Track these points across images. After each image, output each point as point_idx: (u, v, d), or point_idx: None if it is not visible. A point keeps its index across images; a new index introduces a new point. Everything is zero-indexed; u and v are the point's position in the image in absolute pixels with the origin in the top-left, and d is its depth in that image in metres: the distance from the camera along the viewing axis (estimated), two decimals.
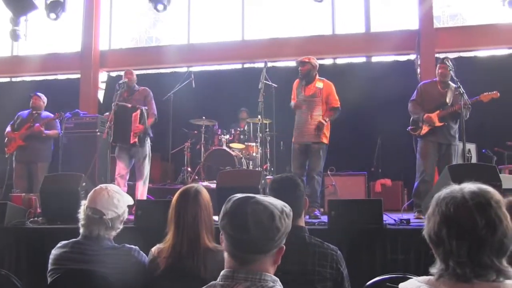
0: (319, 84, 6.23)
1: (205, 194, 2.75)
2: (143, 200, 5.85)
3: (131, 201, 2.87)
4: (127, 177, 6.50)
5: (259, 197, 1.72)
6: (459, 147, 6.02)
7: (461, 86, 5.67)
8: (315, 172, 6.05)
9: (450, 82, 6.12)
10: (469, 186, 1.46)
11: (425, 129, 6.05)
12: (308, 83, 6.27)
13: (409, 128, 6.29)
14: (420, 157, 6.07)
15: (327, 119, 6.13)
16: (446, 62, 6.05)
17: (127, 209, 2.82)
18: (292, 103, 6.40)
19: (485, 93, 5.85)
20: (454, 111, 5.90)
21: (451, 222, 1.41)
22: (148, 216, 4.48)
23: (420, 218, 5.36)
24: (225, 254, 1.70)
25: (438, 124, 5.98)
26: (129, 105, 6.43)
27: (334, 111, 6.23)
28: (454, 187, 1.48)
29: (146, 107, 6.48)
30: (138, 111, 6.36)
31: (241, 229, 1.62)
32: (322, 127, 6.07)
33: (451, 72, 5.88)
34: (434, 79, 6.22)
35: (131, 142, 6.29)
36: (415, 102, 6.24)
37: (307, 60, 6.27)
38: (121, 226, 2.79)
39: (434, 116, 6.00)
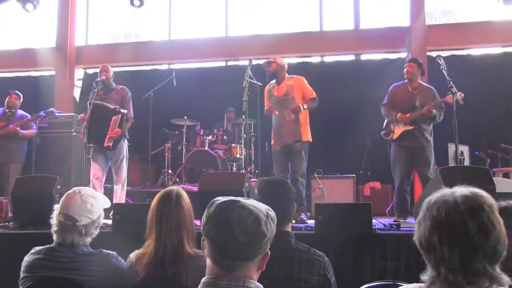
0: (289, 82, 6.33)
1: (187, 198, 2.75)
2: (121, 204, 5.80)
3: (107, 204, 2.84)
4: (104, 179, 6.44)
5: (243, 200, 1.71)
6: (451, 149, 6.09)
7: (453, 86, 5.71)
8: (298, 174, 6.07)
9: (421, 82, 6.22)
10: (461, 190, 1.46)
11: (397, 133, 6.15)
12: (279, 83, 6.36)
13: (382, 132, 6.41)
14: (394, 161, 6.19)
15: (305, 106, 6.18)
16: (419, 61, 6.17)
17: (102, 213, 2.79)
18: (265, 109, 6.49)
19: (450, 95, 5.87)
20: (422, 114, 5.97)
21: (442, 228, 1.42)
22: (126, 221, 4.45)
23: (399, 221, 5.40)
24: (208, 261, 1.69)
25: (409, 127, 6.06)
26: (111, 107, 6.33)
27: (312, 101, 6.27)
28: (446, 191, 1.48)
29: (126, 111, 6.41)
30: (119, 116, 6.28)
31: (226, 235, 1.62)
32: (298, 110, 6.11)
33: (443, 71, 5.91)
34: (405, 81, 6.30)
35: (105, 145, 6.23)
36: (386, 105, 6.35)
37: (272, 60, 6.38)
38: (96, 232, 2.76)
39: (406, 116, 6.09)
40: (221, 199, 1.73)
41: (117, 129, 6.25)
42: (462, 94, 5.76)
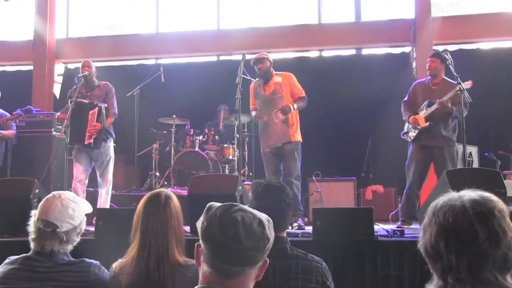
0: (277, 79, 6.31)
1: (176, 201, 2.74)
2: (105, 209, 5.78)
3: (89, 209, 2.82)
4: (86, 182, 6.42)
5: (242, 205, 1.72)
6: (459, 149, 6.06)
7: (461, 82, 5.72)
8: (292, 176, 6.07)
9: (445, 78, 6.19)
10: (469, 194, 1.46)
11: (415, 132, 6.14)
12: (267, 81, 6.34)
13: (402, 133, 6.39)
14: (409, 162, 6.19)
15: (294, 106, 6.17)
16: (442, 55, 6.10)
17: (84, 219, 2.77)
18: (253, 113, 6.48)
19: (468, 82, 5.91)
20: (437, 109, 5.93)
21: (449, 234, 1.42)
22: (110, 227, 4.44)
23: (403, 228, 5.41)
24: (204, 268, 1.69)
25: (423, 124, 6.04)
26: (86, 101, 6.35)
27: (301, 100, 6.28)
28: (453, 195, 1.48)
29: (105, 105, 6.40)
30: (96, 109, 6.28)
31: (231, 238, 1.62)
32: (287, 110, 6.10)
33: (450, 66, 5.92)
34: (428, 77, 6.28)
35: (86, 143, 6.22)
36: (405, 103, 6.37)
37: (265, 56, 6.35)
38: (78, 239, 2.74)
39: (419, 117, 6.08)
40: (217, 203, 1.74)
41: (95, 123, 6.23)
42: (470, 82, 5.77)
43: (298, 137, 6.24)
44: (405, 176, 6.34)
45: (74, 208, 2.69)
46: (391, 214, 6.77)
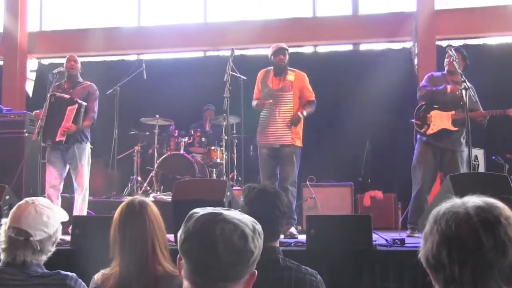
0: (290, 76, 6.28)
1: (153, 207, 2.76)
2: (82, 217, 5.78)
3: (65, 217, 2.81)
4: (61, 188, 6.39)
5: (226, 212, 1.70)
6: (465, 153, 6.05)
7: (466, 80, 5.72)
8: (288, 182, 6.07)
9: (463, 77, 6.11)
10: (474, 200, 1.46)
11: (434, 128, 6.04)
12: (277, 75, 6.31)
13: (413, 120, 6.22)
14: (417, 163, 6.10)
15: (304, 112, 6.17)
16: (449, 51, 6.08)
17: (60, 227, 2.76)
18: (254, 102, 6.40)
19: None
20: (473, 119, 5.79)
21: (452, 243, 1.42)
22: (88, 236, 4.44)
23: (414, 236, 5.43)
24: (185, 283, 1.68)
25: (451, 127, 5.99)
26: (67, 96, 6.34)
27: (310, 104, 6.28)
28: (456, 201, 1.48)
29: (86, 104, 6.39)
30: (76, 106, 6.26)
31: (208, 254, 1.60)
32: (297, 122, 6.10)
33: (454, 63, 5.85)
34: (444, 72, 6.22)
35: (57, 139, 6.19)
36: (424, 88, 6.15)
37: (287, 48, 6.33)
38: (53, 249, 2.73)
39: (448, 115, 6.01)
40: (199, 211, 1.72)
41: (70, 123, 6.21)
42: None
43: (298, 142, 6.22)
44: (407, 180, 6.34)
45: (49, 215, 2.67)
46: (398, 222, 6.72)
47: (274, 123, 6.18)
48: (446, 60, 6.15)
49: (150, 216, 2.68)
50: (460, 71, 5.74)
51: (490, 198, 1.47)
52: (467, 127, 5.58)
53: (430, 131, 6.07)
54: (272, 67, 6.36)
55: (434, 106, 6.09)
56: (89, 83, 6.70)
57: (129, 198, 2.80)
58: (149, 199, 2.81)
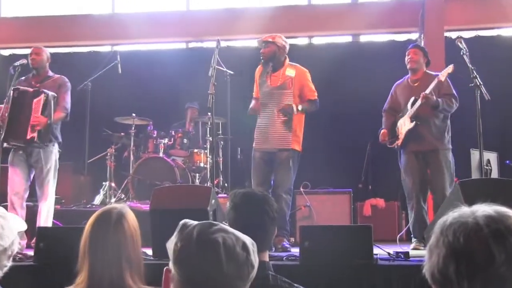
0: (290, 72, 6.26)
1: (132, 219, 2.72)
2: (47, 228, 5.74)
3: (22, 226, 2.79)
4: (26, 195, 6.35)
5: (222, 224, 1.73)
6: (475, 156, 6.12)
7: (478, 76, 5.76)
8: (282, 189, 6.07)
9: (427, 71, 6.36)
10: (484, 209, 1.46)
11: (401, 136, 6.27)
12: (275, 70, 6.30)
13: (387, 142, 6.55)
14: (404, 173, 6.28)
15: (299, 107, 6.17)
16: (424, 48, 6.34)
17: (17, 239, 2.73)
18: (252, 103, 6.43)
19: (442, 72, 6.10)
20: (420, 105, 6.02)
21: (460, 256, 1.42)
22: (53, 250, 4.39)
23: (419, 249, 5.46)
24: None
25: (409, 125, 6.16)
26: (30, 90, 6.29)
27: (311, 103, 6.30)
28: (464, 210, 1.48)
29: (54, 94, 6.35)
30: (41, 97, 6.21)
31: (212, 263, 1.61)
32: (290, 111, 6.09)
33: (464, 57, 5.95)
34: (407, 76, 6.49)
35: (28, 137, 6.14)
36: (385, 112, 6.66)
37: (270, 40, 6.31)
38: (9, 264, 2.70)
39: (407, 118, 6.22)
40: (190, 221, 1.73)
41: (39, 115, 6.17)
42: (452, 66, 6.00)
43: (298, 146, 6.21)
44: None
45: (3, 225, 2.62)
46: (400, 234, 6.78)
47: (273, 125, 6.17)
48: (407, 57, 6.43)
49: (127, 234, 2.64)
50: (470, 66, 5.82)
51: (502, 207, 1.47)
52: (478, 128, 5.64)
53: (400, 141, 6.30)
54: (270, 62, 6.37)
55: (396, 116, 6.45)
56: (59, 76, 6.68)
57: (107, 207, 2.76)
58: (129, 209, 2.77)
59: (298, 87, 6.23)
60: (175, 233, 1.71)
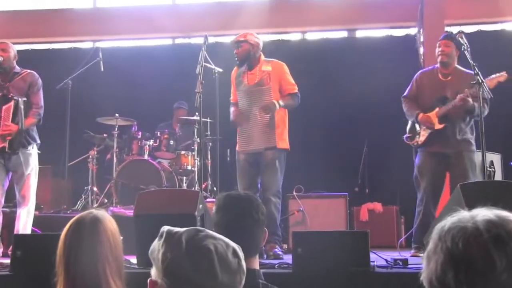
0: (266, 67, 6.32)
1: (109, 224, 2.70)
2: (25, 235, 5.72)
3: None
4: (2, 201, 6.33)
5: (208, 230, 1.72)
6: (479, 157, 6.11)
7: (479, 73, 5.77)
8: (270, 192, 6.08)
9: (457, 67, 6.26)
10: (484, 213, 1.46)
11: (424, 134, 6.21)
12: (251, 68, 6.35)
13: (405, 136, 6.46)
14: (419, 174, 6.22)
15: (280, 102, 6.17)
16: (457, 39, 6.16)
17: None
18: (231, 109, 6.45)
19: (490, 77, 5.98)
20: (454, 107, 5.97)
21: (459, 263, 1.42)
22: (32, 258, 4.39)
23: (418, 256, 5.47)
24: None
25: (437, 126, 6.11)
26: None
27: (292, 96, 6.31)
28: (463, 215, 1.48)
29: (24, 98, 6.30)
30: (11, 103, 6.17)
31: (207, 273, 1.62)
32: (271, 108, 6.09)
33: (466, 53, 5.96)
34: (436, 66, 6.36)
35: None
36: (407, 99, 6.45)
37: (242, 39, 6.35)
38: None
39: (433, 115, 6.15)
40: (174, 228, 1.73)
41: (9, 123, 6.12)
42: (505, 74, 5.86)
43: (284, 143, 6.23)
44: (412, 191, 6.39)
45: None
46: (399, 240, 6.79)
47: (256, 126, 6.20)
48: (437, 50, 6.29)
49: (102, 238, 2.63)
50: (472, 63, 5.80)
51: (502, 211, 1.47)
52: (481, 128, 5.63)
53: (421, 140, 6.25)
54: (245, 62, 6.39)
55: (419, 113, 6.25)
56: (28, 71, 6.52)
57: (82, 213, 2.75)
58: (106, 214, 2.76)
59: (277, 82, 6.27)
60: (160, 242, 1.70)
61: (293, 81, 6.35)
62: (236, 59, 6.38)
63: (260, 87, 6.24)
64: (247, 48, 6.31)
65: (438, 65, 6.30)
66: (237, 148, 6.38)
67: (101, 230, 2.66)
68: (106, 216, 2.73)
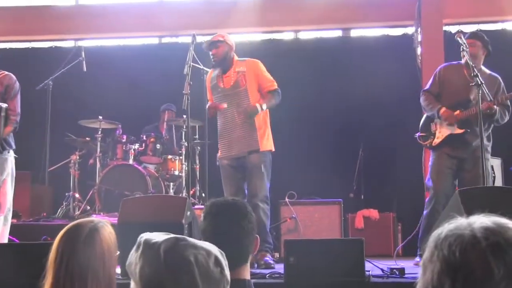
0: (240, 67, 6.33)
1: (107, 237, 2.65)
2: (1, 245, 5.70)
3: None
4: None
5: (189, 238, 1.72)
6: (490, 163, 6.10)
7: (478, 74, 5.79)
8: (258, 197, 6.09)
9: (483, 68, 6.20)
10: (482, 220, 1.47)
11: (440, 136, 6.18)
12: (226, 71, 6.37)
13: (417, 134, 6.42)
14: (431, 176, 6.19)
15: (263, 105, 6.19)
16: (484, 37, 6.14)
17: None
18: (208, 108, 6.46)
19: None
20: (478, 112, 5.81)
21: (456, 272, 1.43)
22: (9, 269, 4.37)
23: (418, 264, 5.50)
24: None
25: (456, 130, 6.10)
26: None
27: (272, 94, 6.33)
28: (461, 222, 1.48)
29: (5, 105, 6.26)
30: None
31: (188, 286, 1.62)
32: (253, 112, 6.11)
33: (464, 53, 5.94)
34: (460, 61, 6.29)
35: None
36: (428, 93, 6.35)
37: (221, 39, 6.37)
38: None
39: (453, 116, 6.10)
40: (154, 237, 1.72)
41: None
42: None
43: (268, 145, 6.26)
44: (409, 197, 6.40)
45: None
46: (396, 248, 6.80)
47: (236, 129, 6.21)
48: (463, 49, 6.13)
49: (97, 250, 2.61)
50: (471, 64, 5.79)
51: (501, 218, 1.48)
52: (480, 132, 5.65)
53: (436, 141, 6.22)
54: (222, 63, 6.42)
55: (441, 107, 6.18)
56: (5, 73, 6.41)
57: (82, 219, 2.73)
58: (107, 225, 2.73)
59: (253, 81, 6.29)
60: (137, 255, 1.69)
61: (271, 78, 6.37)
62: (212, 60, 6.39)
63: (236, 89, 6.26)
64: (225, 49, 6.34)
65: (462, 61, 6.21)
66: (218, 155, 6.40)
67: (98, 242, 2.63)
68: (106, 228, 2.70)
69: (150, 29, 10.32)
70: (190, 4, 10.26)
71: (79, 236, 2.62)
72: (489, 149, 6.17)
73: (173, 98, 8.41)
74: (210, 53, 6.38)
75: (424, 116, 6.46)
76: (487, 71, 6.23)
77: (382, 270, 4.68)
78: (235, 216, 2.70)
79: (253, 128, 6.17)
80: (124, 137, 8.41)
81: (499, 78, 6.23)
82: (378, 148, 8.68)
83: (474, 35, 6.35)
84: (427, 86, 6.43)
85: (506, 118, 6.05)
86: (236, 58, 6.42)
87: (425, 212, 6.13)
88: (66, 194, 8.48)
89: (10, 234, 6.41)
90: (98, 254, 2.62)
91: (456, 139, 6.12)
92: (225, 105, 6.21)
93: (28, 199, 8.77)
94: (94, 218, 2.80)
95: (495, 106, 5.90)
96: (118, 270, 4.68)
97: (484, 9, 9.49)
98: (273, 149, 6.32)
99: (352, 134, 8.78)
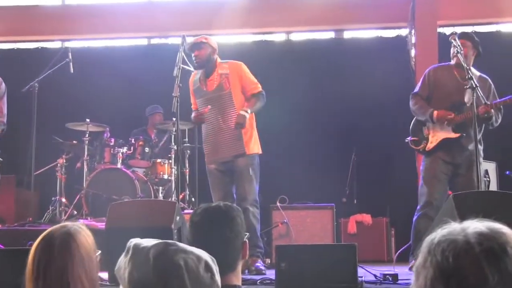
0: (223, 70, 6.35)
1: (83, 240, 2.64)
2: None
3: None
4: None
5: (179, 243, 1.72)
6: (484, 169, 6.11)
7: (473, 77, 5.80)
8: (247, 201, 6.09)
9: (473, 69, 6.16)
10: (475, 225, 1.47)
11: (433, 141, 6.16)
12: (209, 74, 6.38)
13: (408, 138, 6.40)
14: (424, 181, 6.19)
15: (248, 110, 6.20)
16: (474, 37, 6.14)
17: None
18: (193, 114, 6.49)
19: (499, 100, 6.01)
20: (474, 116, 5.81)
21: (450, 278, 1.43)
22: None
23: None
24: None
25: (452, 135, 6.09)
26: None
27: (257, 97, 6.33)
28: (454, 227, 1.49)
29: None
30: None
31: None
32: (243, 121, 6.11)
33: (459, 55, 5.94)
34: (450, 63, 6.30)
35: None
36: (417, 96, 6.34)
37: (204, 40, 6.39)
38: None
39: (449, 118, 6.07)
40: (142, 242, 1.72)
41: None
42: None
43: (255, 148, 6.28)
44: (403, 202, 6.40)
45: None
46: (396, 254, 6.79)
47: (221, 133, 6.22)
48: (452, 50, 6.18)
49: (75, 256, 2.55)
50: (466, 66, 5.80)
51: (495, 223, 1.49)
52: (475, 135, 5.66)
53: (430, 146, 6.20)
54: (205, 66, 6.43)
55: (433, 110, 6.17)
56: None
57: (54, 226, 2.67)
58: (81, 228, 2.70)
59: (237, 84, 6.31)
60: (126, 260, 1.69)
61: (255, 80, 6.39)
62: (195, 61, 6.40)
63: (220, 92, 6.27)
64: (208, 52, 6.35)
65: (452, 62, 6.21)
66: (205, 160, 6.41)
67: (74, 247, 2.57)
68: (80, 231, 2.64)
69: (139, 30, 10.30)
70: (179, 4, 10.26)
71: (52, 245, 2.56)
72: (482, 152, 6.15)
73: (162, 101, 8.41)
74: (193, 54, 6.38)
75: (414, 119, 6.45)
76: (477, 73, 6.22)
77: (375, 276, 4.69)
78: (223, 221, 2.69)
79: (239, 133, 6.17)
80: (112, 140, 8.39)
81: (489, 79, 6.26)
82: (371, 152, 8.70)
83: (464, 35, 6.36)
84: (416, 89, 6.43)
85: (499, 121, 6.07)
86: (219, 60, 6.43)
87: (415, 216, 6.11)
88: (53, 198, 8.46)
89: None
90: (76, 259, 2.57)
91: (451, 144, 6.11)
92: (209, 107, 6.22)
93: (13, 204, 8.75)
94: (68, 223, 2.72)
95: (492, 110, 5.92)
96: (105, 275, 4.70)
97: (478, 10, 9.52)
98: (261, 152, 6.33)
99: (345, 138, 8.79)
